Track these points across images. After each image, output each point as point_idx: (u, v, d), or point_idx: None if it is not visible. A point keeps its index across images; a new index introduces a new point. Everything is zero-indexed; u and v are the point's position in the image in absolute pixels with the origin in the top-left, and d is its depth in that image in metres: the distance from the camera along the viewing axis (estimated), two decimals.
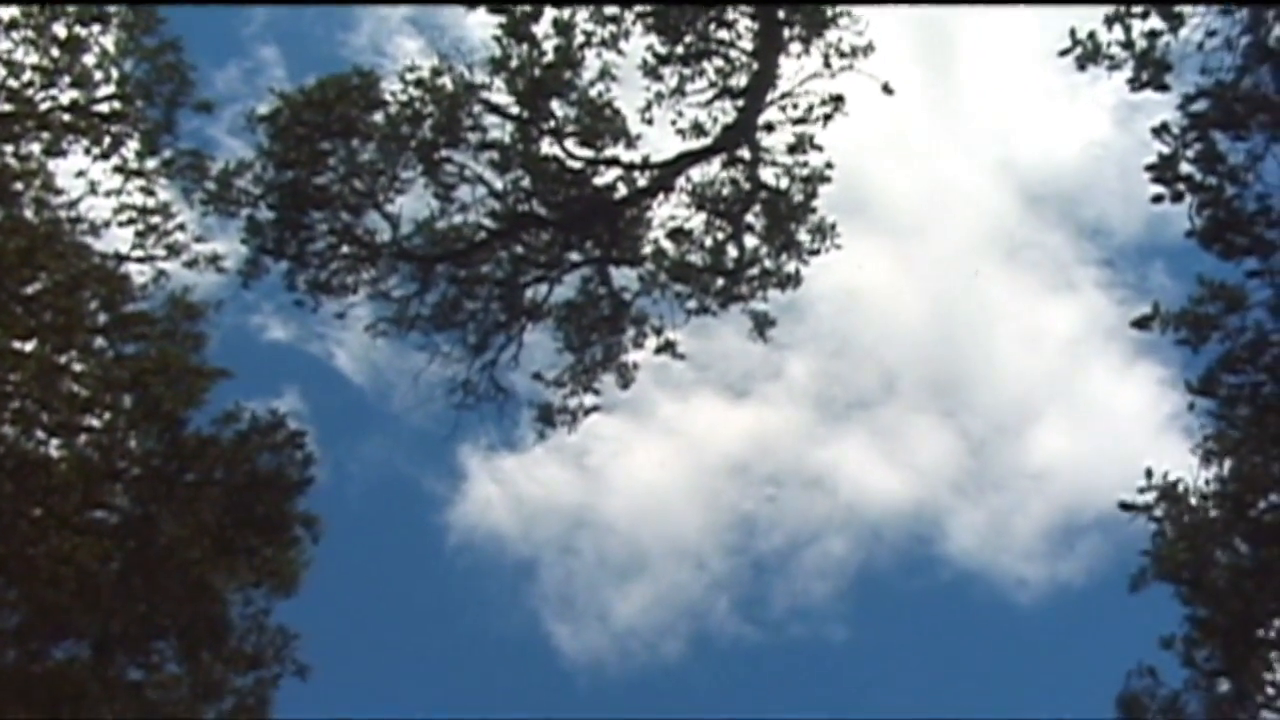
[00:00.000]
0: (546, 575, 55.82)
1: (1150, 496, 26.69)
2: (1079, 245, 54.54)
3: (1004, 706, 52.30)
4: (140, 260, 30.27)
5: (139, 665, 30.82)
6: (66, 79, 29.15)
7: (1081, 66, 24.06)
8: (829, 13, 29.61)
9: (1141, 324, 25.18)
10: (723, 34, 29.83)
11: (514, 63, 29.94)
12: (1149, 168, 23.79)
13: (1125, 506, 26.73)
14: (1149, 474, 26.61)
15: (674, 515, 57.33)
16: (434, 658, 55.19)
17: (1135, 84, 23.85)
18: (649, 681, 54.86)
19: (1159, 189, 23.69)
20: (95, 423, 29.81)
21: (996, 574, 54.19)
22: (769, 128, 30.87)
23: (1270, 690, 26.32)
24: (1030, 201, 54.94)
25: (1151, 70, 23.63)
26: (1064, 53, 23.82)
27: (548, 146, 30.94)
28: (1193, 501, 26.58)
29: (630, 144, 30.82)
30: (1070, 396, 55.08)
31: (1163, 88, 23.83)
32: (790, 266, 31.80)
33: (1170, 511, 26.54)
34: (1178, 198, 23.75)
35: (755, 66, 30.18)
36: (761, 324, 32.34)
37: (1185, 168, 23.62)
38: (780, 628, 55.79)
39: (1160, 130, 23.64)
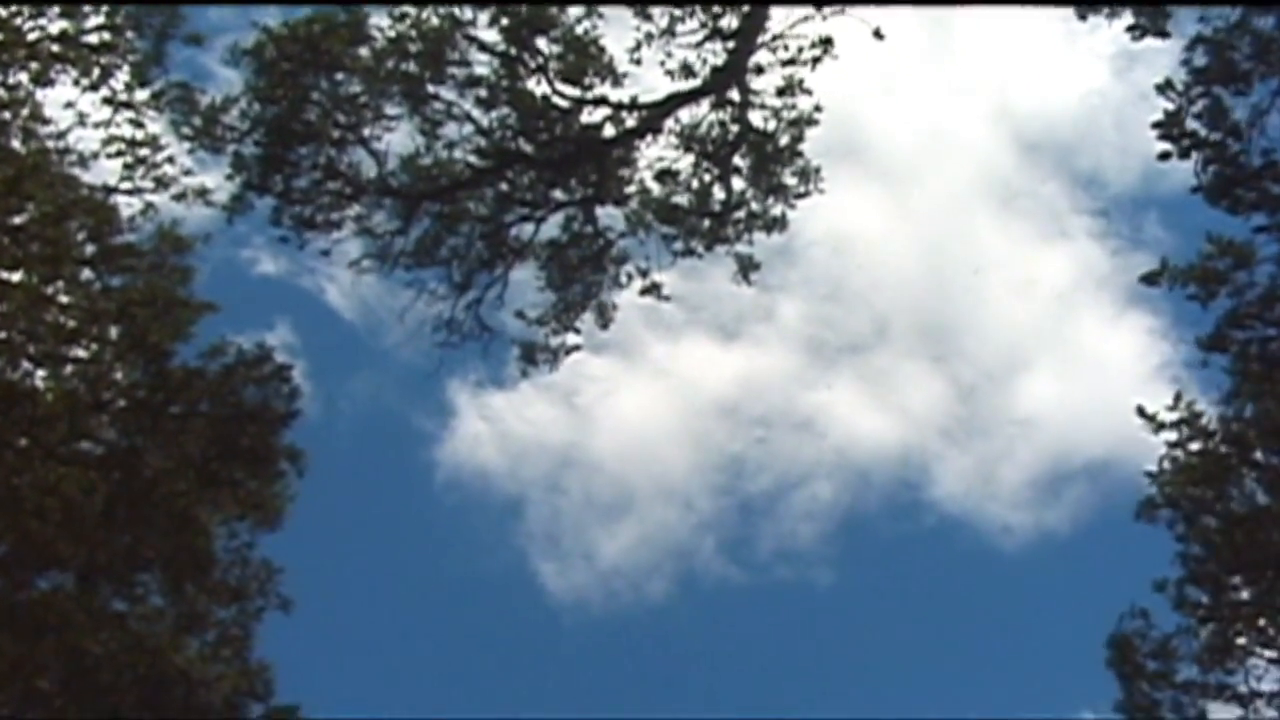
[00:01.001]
0: (533, 513, 55.94)
1: (1171, 416, 26.95)
2: (1074, 195, 54.91)
3: (985, 652, 52.98)
4: (128, 193, 30.14)
5: (123, 596, 30.84)
6: (55, 8, 28.95)
7: (1082, 16, 24.26)
8: None
9: (1150, 279, 25.53)
10: None
11: None
12: (1155, 125, 24.11)
13: (1143, 414, 26.98)
14: (1178, 397, 26.83)
15: (662, 455, 57.52)
16: (419, 594, 55.29)
17: (1135, 31, 24.04)
18: (633, 621, 55.15)
19: (1165, 146, 24.01)
20: (81, 354, 29.72)
21: (982, 520, 54.65)
22: (759, 70, 30.96)
23: (1256, 634, 26.79)
24: (1026, 149, 55.24)
25: (1151, 17, 23.76)
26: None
27: (535, 85, 30.96)
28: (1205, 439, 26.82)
29: (618, 84, 30.89)
30: (1060, 345, 55.54)
31: (1163, 34, 24.01)
32: (776, 210, 31.92)
33: (1183, 436, 26.80)
34: (1185, 154, 24.06)
35: (746, 9, 30.23)
36: (746, 267, 32.45)
37: (1190, 124, 23.94)
38: (766, 570, 56.09)
39: (1164, 86, 23.94)
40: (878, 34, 29.85)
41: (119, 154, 29.98)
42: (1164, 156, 24.37)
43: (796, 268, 51.77)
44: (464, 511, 55.85)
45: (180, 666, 30.62)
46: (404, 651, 52.47)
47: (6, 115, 29.00)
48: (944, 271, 56.82)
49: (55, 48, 28.98)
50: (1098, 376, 50.83)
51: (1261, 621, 26.64)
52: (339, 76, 30.82)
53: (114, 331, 29.79)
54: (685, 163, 31.56)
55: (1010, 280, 56.98)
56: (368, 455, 54.70)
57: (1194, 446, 26.71)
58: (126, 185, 30.10)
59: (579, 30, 30.71)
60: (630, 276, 32.30)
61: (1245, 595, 26.64)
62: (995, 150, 54.55)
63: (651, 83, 30.89)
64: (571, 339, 32.84)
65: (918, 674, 54.54)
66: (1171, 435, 26.90)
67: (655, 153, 31.48)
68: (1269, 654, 26.67)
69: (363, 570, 53.30)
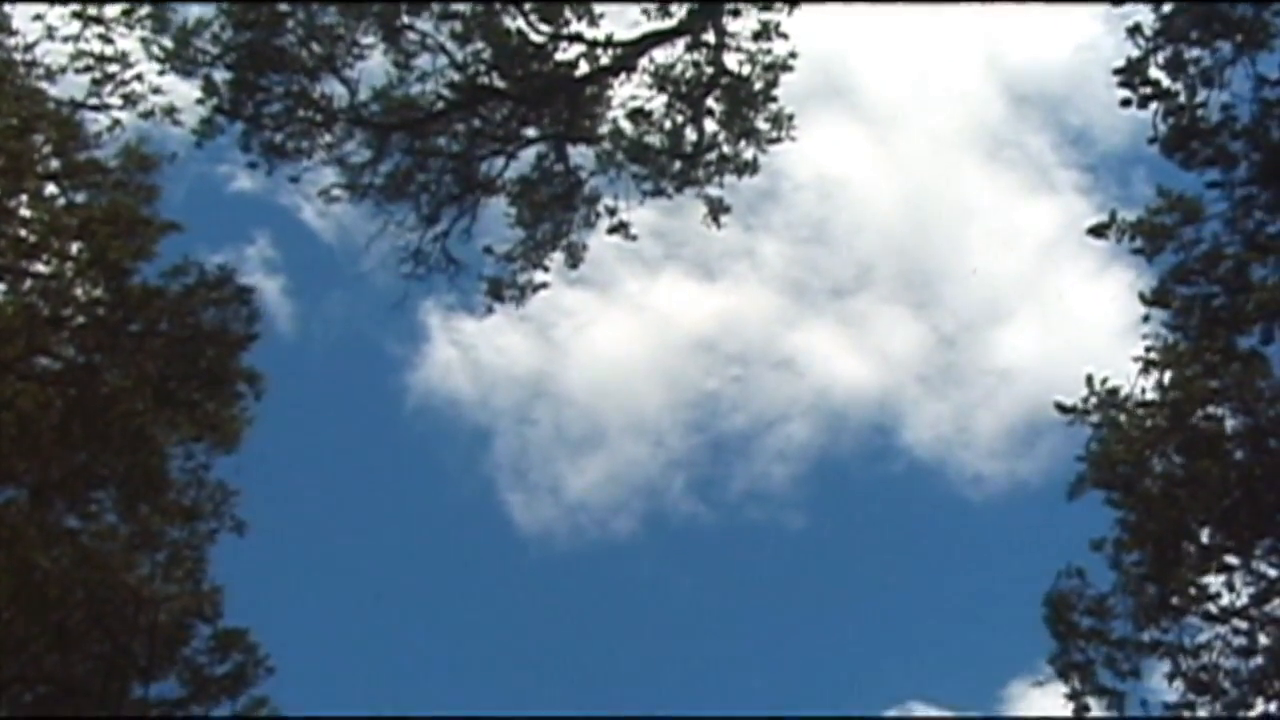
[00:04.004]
0: (502, 444, 56.15)
1: (1091, 402, 26.90)
2: (1061, 149, 54.77)
3: (950, 600, 53.07)
4: (95, 108, 30.09)
5: (76, 513, 30.97)
6: None
7: None
8: None
9: (1098, 231, 25.33)
10: None
11: None
12: (1117, 71, 23.91)
13: (1061, 408, 26.97)
14: (1089, 380, 26.82)
15: (635, 391, 57.65)
16: (383, 520, 55.50)
17: None
18: (599, 557, 55.35)
19: (1126, 93, 23.83)
20: (42, 269, 29.65)
21: (954, 469, 54.83)
22: (735, 13, 30.76)
23: (1194, 593, 26.75)
24: (1015, 101, 55.14)
25: None
26: None
27: (510, 19, 30.74)
28: (1131, 409, 26.77)
29: (594, 21, 30.59)
30: (1041, 297, 55.48)
31: None
32: (748, 154, 31.76)
33: (1108, 417, 26.75)
34: (1145, 103, 23.88)
35: None
36: (717, 209, 32.28)
37: (1155, 73, 23.75)
38: (736, 511, 56.23)
39: (1134, 31, 23.73)
40: None
41: (87, 69, 29.90)
42: (1125, 104, 24.16)
43: (780, 210, 51.77)
44: (432, 439, 56.07)
45: (131, 585, 30.78)
46: (364, 578, 52.63)
47: None
48: (928, 219, 56.89)
49: None
50: (1078, 330, 50.78)
51: (1199, 580, 26.58)
52: (313, 4, 30.62)
53: (75, 248, 29.70)
54: (658, 103, 31.35)
55: (994, 230, 57.00)
56: (338, 378, 54.92)
57: (1122, 419, 26.54)
58: (94, 101, 30.04)
59: None
60: (599, 215, 32.14)
61: (1182, 554, 26.52)
62: (984, 100, 54.44)
63: (627, 21, 30.66)
64: (540, 276, 32.71)
65: (881, 620, 54.74)
66: (1095, 418, 26.76)
67: (628, 92, 31.25)
68: (1205, 609, 26.62)
69: (329, 494, 53.46)
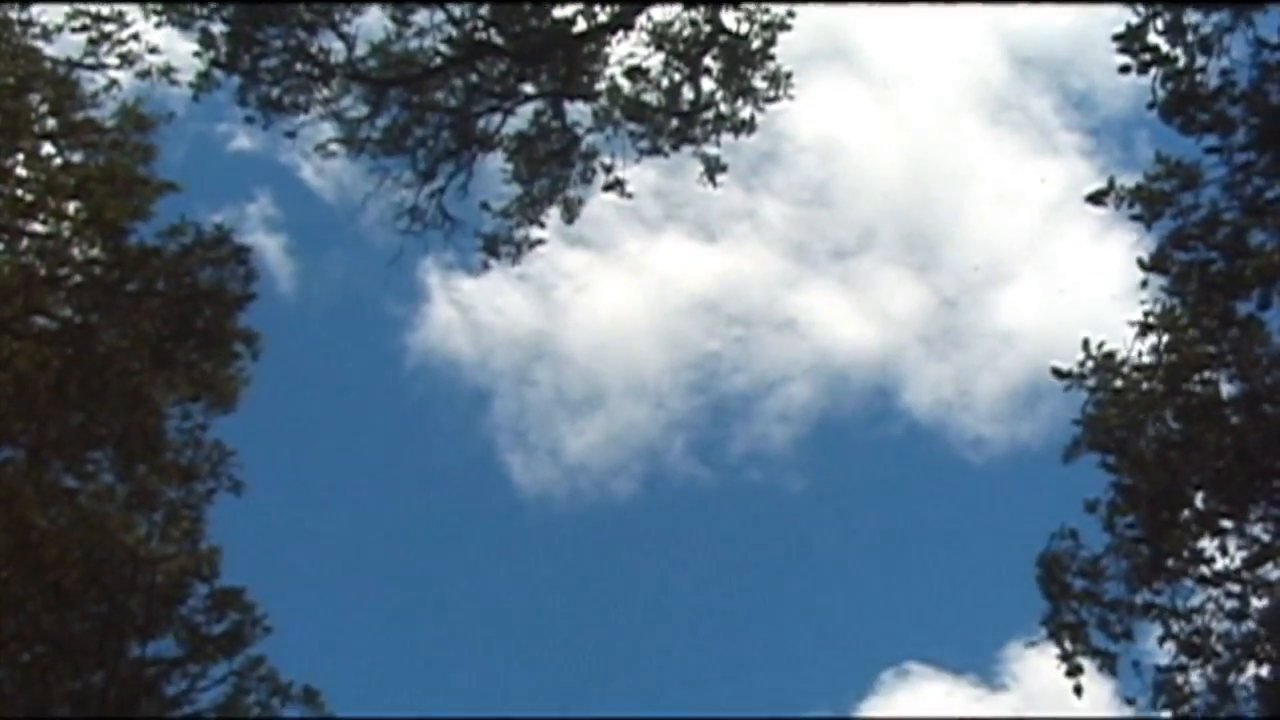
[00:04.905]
0: (501, 405, 56.12)
1: (1088, 366, 26.90)
2: (1065, 112, 54.52)
3: (947, 562, 53.18)
4: (92, 68, 29.98)
5: (73, 473, 31.04)
6: None
7: None
8: None
9: (1096, 199, 25.26)
10: None
11: None
12: (1116, 37, 23.77)
13: (1058, 373, 26.96)
14: (1086, 345, 26.81)
15: (635, 352, 57.55)
16: (384, 480, 55.52)
17: None
18: (598, 518, 55.42)
19: (1125, 59, 23.71)
20: (38, 228, 29.64)
21: (954, 432, 54.87)
22: None
23: (1187, 556, 26.82)
24: (1018, 64, 54.85)
25: None
26: None
27: None
28: (1127, 373, 26.78)
29: None
30: (1044, 260, 55.33)
31: None
32: (745, 113, 31.65)
33: (1104, 382, 26.75)
34: (1144, 69, 23.75)
35: None
36: (713, 168, 32.21)
37: (1154, 39, 23.61)
38: (737, 472, 56.20)
39: None
40: None
41: (84, 28, 29.80)
42: (1123, 70, 24.03)
43: (782, 171, 51.57)
44: (431, 400, 56.02)
45: (128, 545, 30.91)
46: (361, 539, 52.67)
47: None
48: (930, 181, 56.69)
49: None
50: (1081, 293, 50.63)
51: (1192, 543, 26.66)
52: None
53: (72, 207, 29.69)
54: (656, 61, 31.21)
55: (996, 193, 56.81)
56: (337, 337, 54.88)
57: (1118, 384, 26.54)
58: (90, 60, 29.94)
59: None
60: (595, 172, 32.05)
61: (1176, 518, 26.58)
62: (988, 63, 54.18)
63: None
64: (536, 233, 32.65)
65: (879, 581, 54.90)
66: (1091, 382, 26.77)
67: (626, 50, 31.10)
68: (1199, 572, 26.72)
69: (327, 454, 53.42)
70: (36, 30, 29.51)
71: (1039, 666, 28.97)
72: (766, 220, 56.62)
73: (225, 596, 32.51)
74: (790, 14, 30.78)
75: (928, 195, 58.97)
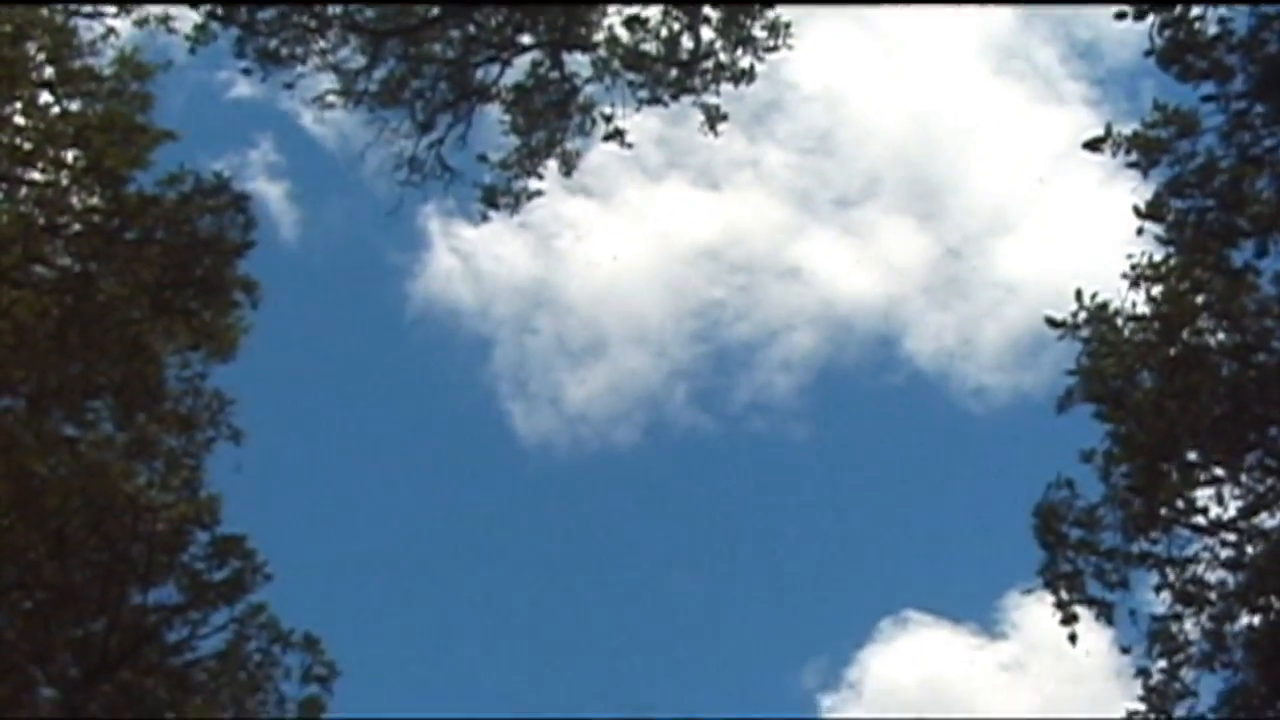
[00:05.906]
0: (502, 353, 56.09)
1: (1081, 316, 26.95)
2: (1070, 61, 54.31)
3: (945, 511, 53.22)
4: (89, 16, 29.88)
5: (73, 422, 31.14)
6: None
7: None
8: None
9: (1093, 145, 25.25)
10: None
11: None
12: None
13: (1052, 323, 27.02)
14: (1079, 295, 26.86)
15: (637, 300, 57.45)
16: (385, 428, 55.57)
17: None
18: (599, 467, 55.49)
19: (1122, 6, 23.68)
20: (37, 177, 29.65)
21: (957, 381, 54.87)
22: None
23: (1182, 506, 26.97)
24: (1024, 14, 54.62)
25: None
26: None
27: None
28: (1121, 324, 26.84)
29: None
30: (1048, 210, 55.22)
31: None
32: (745, 62, 31.58)
33: (1099, 332, 26.81)
34: (1141, 15, 23.71)
35: None
36: (714, 118, 32.15)
37: None
38: (738, 421, 56.18)
39: None
40: None
41: None
42: (1120, 16, 23.99)
43: (786, 120, 51.42)
44: (433, 348, 55.99)
45: (128, 493, 31.05)
46: (362, 487, 52.73)
47: None
48: (934, 130, 56.54)
49: None
50: (1083, 243, 50.58)
51: (1187, 492, 26.80)
52: None
53: (70, 156, 29.68)
54: (654, 10, 31.11)
55: (1000, 143, 56.64)
56: (339, 284, 54.75)
57: (1111, 338, 26.61)
58: (87, 8, 29.86)
59: None
60: (594, 123, 31.99)
61: (1171, 467, 26.70)
62: (992, 11, 53.97)
63: None
64: (535, 184, 32.61)
65: (880, 530, 54.99)
66: (1085, 332, 26.83)
67: None
68: (1194, 522, 26.86)
69: (329, 402, 53.44)
70: None
71: (1038, 615, 29.13)
72: (770, 169, 56.57)
73: (226, 544, 32.64)
74: None
75: (931, 144, 58.89)
